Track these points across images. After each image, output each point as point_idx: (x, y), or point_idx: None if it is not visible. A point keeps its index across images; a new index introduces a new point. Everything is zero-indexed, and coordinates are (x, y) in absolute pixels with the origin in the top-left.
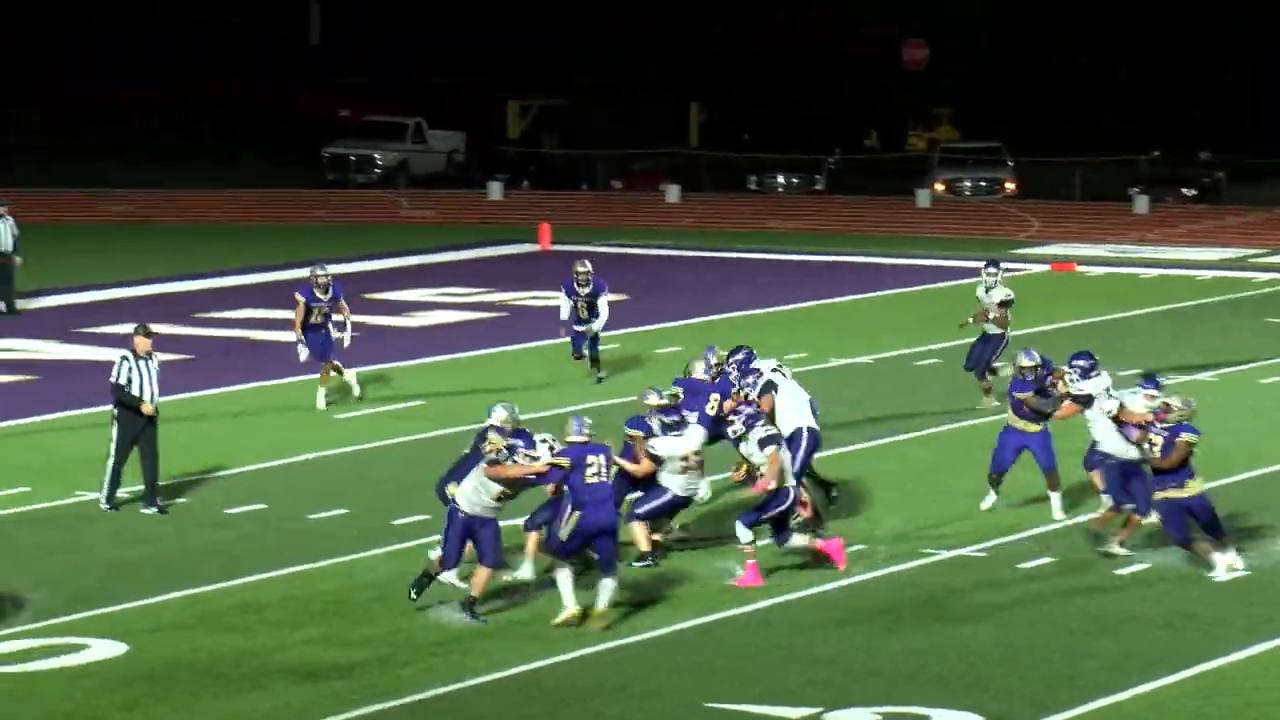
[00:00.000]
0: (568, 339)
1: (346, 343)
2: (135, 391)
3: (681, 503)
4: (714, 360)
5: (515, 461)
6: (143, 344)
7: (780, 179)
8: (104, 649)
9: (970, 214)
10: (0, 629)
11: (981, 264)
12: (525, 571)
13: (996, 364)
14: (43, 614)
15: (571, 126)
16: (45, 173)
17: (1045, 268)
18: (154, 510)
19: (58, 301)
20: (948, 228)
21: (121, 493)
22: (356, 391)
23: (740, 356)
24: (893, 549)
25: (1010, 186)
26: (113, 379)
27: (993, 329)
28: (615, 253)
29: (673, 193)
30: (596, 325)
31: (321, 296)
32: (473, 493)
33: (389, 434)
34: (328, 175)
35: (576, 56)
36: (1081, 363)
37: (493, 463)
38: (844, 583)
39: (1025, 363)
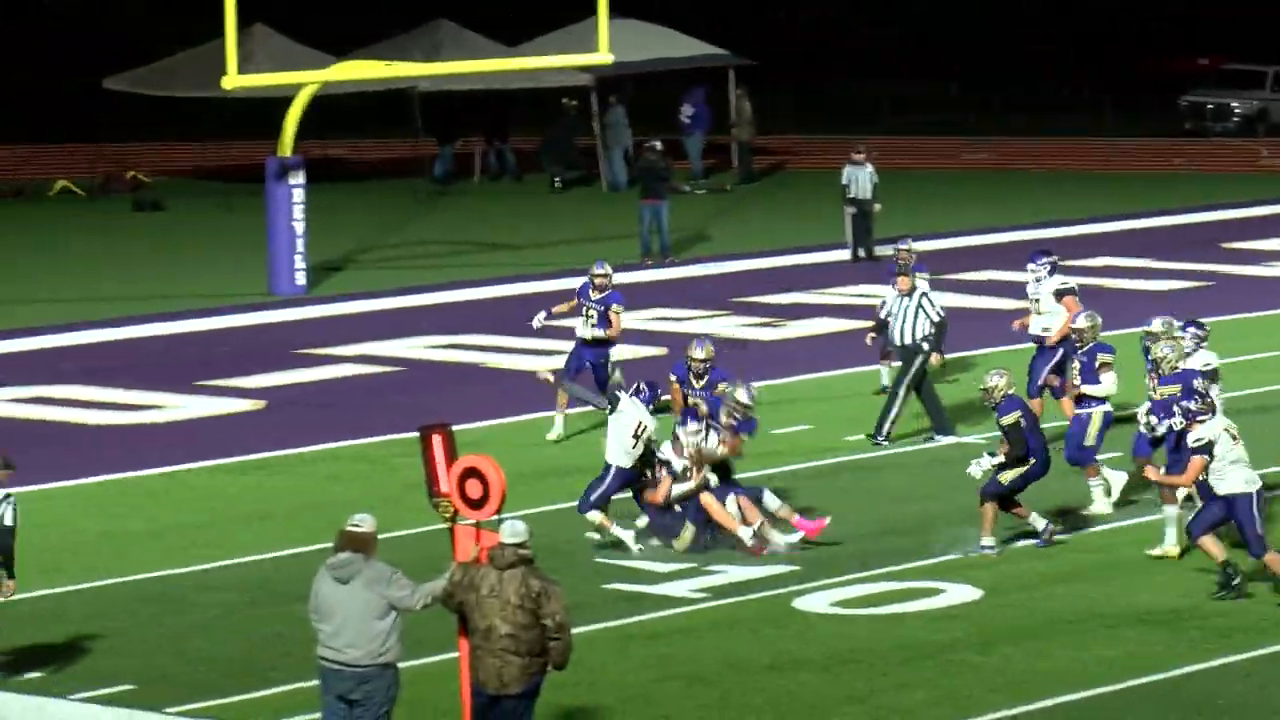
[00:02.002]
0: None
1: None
2: (893, 327)
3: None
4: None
5: None
6: (903, 283)
7: None
8: (961, 593)
9: None
10: (846, 575)
11: None
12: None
13: None
14: (901, 558)
15: None
16: (907, 121)
17: None
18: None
19: (918, 248)
20: None
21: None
22: (553, 433)
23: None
24: None
25: None
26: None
27: None
28: None
29: None
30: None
31: (593, 296)
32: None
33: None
34: (1185, 124)
35: None
36: None
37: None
38: None
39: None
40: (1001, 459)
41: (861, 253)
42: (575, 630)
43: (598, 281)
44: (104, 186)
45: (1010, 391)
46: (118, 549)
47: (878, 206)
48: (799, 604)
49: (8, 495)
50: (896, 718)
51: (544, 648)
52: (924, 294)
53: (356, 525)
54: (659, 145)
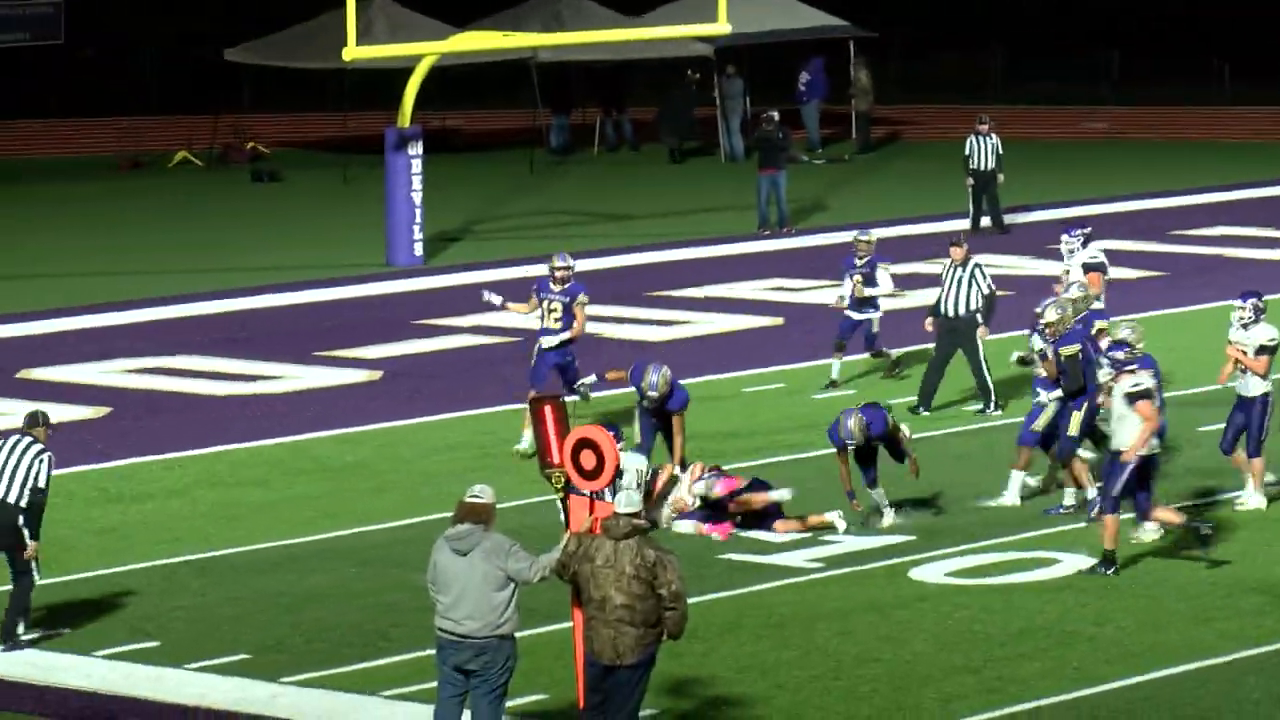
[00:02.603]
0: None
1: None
2: (941, 298)
3: None
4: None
5: None
6: (956, 253)
7: None
8: (1077, 563)
9: None
10: (962, 545)
11: None
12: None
13: None
14: (1017, 527)
15: None
16: (1022, 91)
17: None
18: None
19: (1042, 217)
20: None
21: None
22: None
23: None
24: None
25: None
26: None
27: None
28: None
29: None
30: (874, 312)
31: (554, 289)
32: None
33: None
34: None
35: None
36: None
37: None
38: None
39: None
40: (1042, 372)
41: (985, 222)
42: (690, 600)
43: (559, 274)
44: (223, 158)
45: (1072, 325)
46: (236, 519)
47: (1000, 177)
48: (914, 574)
49: (43, 452)
50: (1011, 688)
51: (659, 618)
52: (976, 265)
53: (476, 496)
54: (776, 115)
